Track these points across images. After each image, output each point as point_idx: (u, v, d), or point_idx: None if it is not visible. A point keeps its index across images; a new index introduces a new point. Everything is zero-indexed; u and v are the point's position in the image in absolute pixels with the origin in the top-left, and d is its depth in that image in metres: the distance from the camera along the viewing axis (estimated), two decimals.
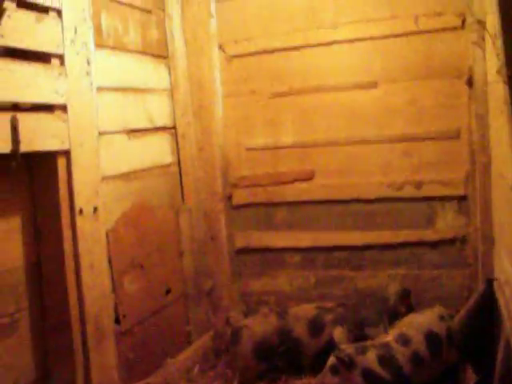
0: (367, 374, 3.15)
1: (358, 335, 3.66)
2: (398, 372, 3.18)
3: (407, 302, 3.84)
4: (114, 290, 3.35)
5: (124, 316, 3.44)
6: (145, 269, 3.71)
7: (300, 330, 3.73)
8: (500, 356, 2.71)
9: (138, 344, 3.57)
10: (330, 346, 3.47)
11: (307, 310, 3.87)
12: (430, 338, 3.32)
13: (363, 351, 3.21)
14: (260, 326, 3.77)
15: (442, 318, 3.48)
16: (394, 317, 3.74)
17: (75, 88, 2.90)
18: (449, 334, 3.40)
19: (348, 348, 3.24)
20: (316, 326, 3.73)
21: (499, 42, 1.49)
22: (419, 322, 3.45)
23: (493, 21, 1.75)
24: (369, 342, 3.35)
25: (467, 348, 3.39)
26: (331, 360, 3.16)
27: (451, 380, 3.39)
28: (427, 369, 3.29)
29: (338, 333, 3.63)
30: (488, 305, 3.20)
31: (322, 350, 3.64)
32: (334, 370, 3.13)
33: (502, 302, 2.80)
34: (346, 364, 3.12)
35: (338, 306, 3.85)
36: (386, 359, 3.19)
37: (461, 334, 3.41)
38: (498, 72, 1.48)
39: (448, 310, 3.62)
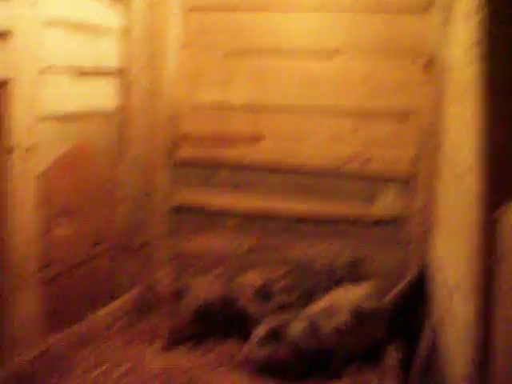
0: (292, 345, 3.16)
1: (308, 303, 3.65)
2: (321, 344, 3.20)
3: (355, 272, 3.84)
4: (41, 235, 3.20)
5: (50, 263, 3.31)
6: (76, 216, 3.56)
7: (246, 300, 3.69)
8: (424, 339, 2.73)
9: (61, 294, 3.45)
10: None
11: (254, 278, 3.82)
12: (356, 311, 3.35)
13: (288, 323, 3.21)
14: (204, 290, 3.71)
15: (371, 294, 3.51)
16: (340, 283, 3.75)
17: (20, 14, 2.70)
18: (376, 309, 3.43)
19: (273, 320, 3.23)
20: (263, 295, 3.70)
21: (474, 20, 1.44)
22: (347, 296, 3.47)
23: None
24: (293, 315, 3.35)
25: (393, 327, 3.43)
26: (259, 331, 3.15)
27: (374, 356, 3.43)
28: (350, 342, 3.32)
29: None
30: (419, 288, 3.23)
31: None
32: (262, 342, 3.12)
33: (432, 287, 2.81)
34: (275, 335, 3.11)
35: (286, 273, 3.81)
36: (310, 331, 3.20)
37: (389, 314, 3.45)
38: (467, 51, 1.42)
39: (379, 287, 3.66)
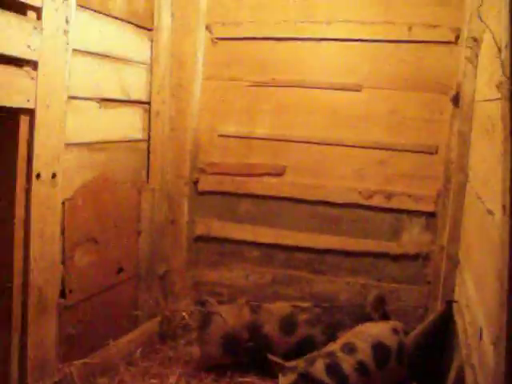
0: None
1: (331, 338, 3.59)
2: (343, 381, 3.12)
3: (381, 309, 3.77)
4: (63, 262, 3.21)
5: (71, 291, 3.30)
6: (99, 244, 3.56)
7: (271, 327, 3.64)
8: (451, 380, 2.65)
9: (82, 321, 3.43)
10: (303, 347, 3.38)
11: (282, 307, 3.78)
12: (378, 349, 3.28)
13: (312, 362, 3.15)
14: (232, 316, 3.67)
15: (395, 331, 3.43)
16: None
17: (49, 45, 2.74)
18: (400, 348, 3.35)
19: (300, 362, 3.16)
20: (288, 324, 3.64)
21: (506, 54, 1.41)
22: (369, 332, 3.40)
23: (499, 32, 1.68)
24: (315, 353, 3.28)
25: (417, 367, 3.34)
26: (287, 378, 3.07)
27: None
28: (372, 380, 3.24)
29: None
30: (445, 326, 3.15)
31: (292, 349, 3.56)
32: None
33: (460, 325, 2.74)
34: (307, 378, 3.05)
35: (314, 307, 3.76)
36: (332, 368, 3.13)
37: (413, 352, 3.36)
38: (498, 86, 1.39)
39: (403, 325, 3.58)
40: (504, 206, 1.28)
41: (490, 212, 2.22)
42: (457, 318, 2.88)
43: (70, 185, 3.24)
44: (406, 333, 3.49)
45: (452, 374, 2.64)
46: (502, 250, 1.33)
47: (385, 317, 3.75)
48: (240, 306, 3.78)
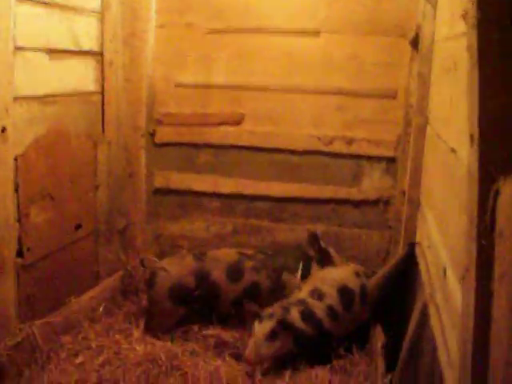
0: (295, 332, 3.12)
1: (276, 282, 3.61)
2: (319, 326, 3.17)
3: (317, 245, 3.79)
4: (19, 219, 3.11)
5: (28, 249, 3.21)
6: (55, 200, 3.47)
7: (218, 274, 3.62)
8: (414, 319, 2.69)
9: (41, 280, 3.36)
10: (249, 293, 3.38)
11: (227, 254, 3.76)
12: (343, 293, 3.32)
13: (287, 309, 3.17)
14: (176, 268, 3.63)
15: (357, 274, 3.48)
16: (308, 262, 3.72)
17: None
18: (362, 291, 3.41)
19: (275, 309, 3.17)
20: (235, 271, 3.63)
21: None
22: (333, 277, 3.44)
23: None
24: (285, 301, 3.30)
25: (380, 308, 3.39)
26: (262, 327, 3.07)
27: (361, 338, 3.40)
28: (341, 323, 3.29)
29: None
30: (408, 268, 3.19)
31: (240, 296, 3.56)
32: (273, 335, 3.06)
33: (422, 266, 2.77)
34: (286, 325, 3.06)
35: (258, 253, 3.76)
36: (306, 315, 3.17)
37: (376, 294, 3.41)
38: (464, 16, 1.36)
39: (364, 268, 3.63)
40: (472, 136, 1.25)
41: (452, 150, 2.21)
42: (419, 259, 2.91)
43: (22, 140, 3.12)
44: (368, 276, 3.54)
45: (415, 314, 2.68)
46: (470, 183, 1.32)
47: (321, 253, 3.77)
48: (183, 255, 3.75)
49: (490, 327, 1.23)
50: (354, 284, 3.41)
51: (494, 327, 1.21)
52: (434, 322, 2.21)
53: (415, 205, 3.37)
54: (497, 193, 1.25)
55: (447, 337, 2.02)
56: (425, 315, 2.53)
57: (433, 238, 2.66)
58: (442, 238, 2.38)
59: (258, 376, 3.11)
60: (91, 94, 3.84)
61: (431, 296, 2.38)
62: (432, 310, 2.29)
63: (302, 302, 3.24)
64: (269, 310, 3.17)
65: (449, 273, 2.11)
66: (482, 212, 1.24)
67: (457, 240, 1.98)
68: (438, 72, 2.98)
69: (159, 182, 4.27)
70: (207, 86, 4.15)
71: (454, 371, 1.84)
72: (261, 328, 3.09)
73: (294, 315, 3.15)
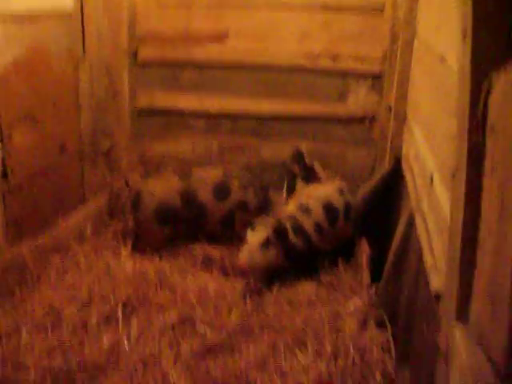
0: (288, 244, 3.15)
1: (263, 200, 3.62)
2: (308, 240, 3.22)
3: (302, 162, 3.79)
4: (1, 141, 3.08)
5: (12, 171, 3.19)
6: (38, 122, 3.42)
7: (205, 194, 3.62)
8: (400, 230, 2.73)
9: (28, 202, 3.36)
10: (235, 213, 3.40)
11: (213, 173, 3.75)
12: (328, 209, 3.35)
13: (280, 222, 3.20)
14: (161, 188, 3.62)
15: (341, 191, 3.51)
16: (294, 180, 3.75)
17: None
18: (346, 208, 3.44)
19: (269, 220, 3.19)
20: (222, 191, 3.63)
21: None
22: (318, 194, 3.46)
23: None
24: (275, 215, 3.32)
25: (366, 222, 3.44)
26: (257, 236, 3.08)
27: (347, 252, 3.47)
28: (327, 238, 3.34)
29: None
30: (393, 182, 3.21)
31: (227, 215, 3.57)
32: (267, 243, 3.08)
33: (409, 177, 2.79)
34: (281, 234, 3.08)
35: (244, 171, 3.75)
36: (297, 229, 3.20)
37: (362, 208, 3.45)
38: None
39: (348, 185, 3.66)
40: (464, 31, 1.23)
41: (442, 60, 2.19)
42: (405, 172, 2.93)
43: (0, 61, 3.05)
44: (352, 192, 3.58)
45: (401, 225, 2.71)
46: (462, 80, 1.30)
47: (306, 170, 3.79)
48: (168, 175, 3.73)
49: (480, 221, 1.24)
50: (337, 201, 3.44)
51: (483, 221, 1.23)
52: (420, 230, 2.24)
53: (401, 119, 3.37)
54: (488, 88, 1.24)
55: (432, 242, 2.05)
56: (410, 226, 2.57)
57: (419, 150, 2.67)
58: (429, 147, 2.39)
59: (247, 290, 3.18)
60: (70, 12, 3.71)
61: (417, 206, 2.41)
62: (418, 220, 2.33)
63: (291, 216, 3.27)
64: (262, 221, 3.20)
65: (436, 179, 2.13)
66: (473, 108, 1.24)
67: (445, 145, 1.99)
68: None
69: (143, 101, 4.21)
70: (190, 4, 4.03)
71: (439, 273, 1.89)
72: (255, 236, 3.10)
73: (288, 227, 3.19)
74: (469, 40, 1.21)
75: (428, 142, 2.46)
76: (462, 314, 1.30)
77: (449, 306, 1.39)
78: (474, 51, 1.23)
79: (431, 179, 2.19)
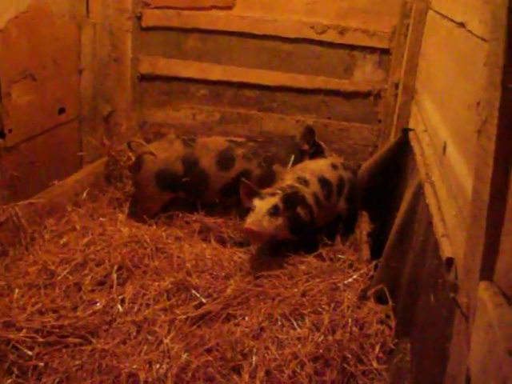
0: (293, 215, 3.12)
1: (267, 171, 3.56)
2: (310, 212, 3.19)
3: (311, 140, 3.74)
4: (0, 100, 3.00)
5: (10, 130, 3.13)
6: (37, 82, 3.35)
7: (208, 162, 3.56)
8: (406, 202, 2.68)
9: (24, 163, 3.30)
10: (239, 182, 3.34)
11: (218, 141, 3.69)
12: (323, 183, 3.33)
13: (287, 191, 3.16)
14: (164, 152, 3.57)
15: (334, 166, 3.48)
16: (301, 155, 3.69)
17: None
18: (340, 182, 3.41)
19: (276, 190, 3.15)
20: (225, 159, 3.57)
21: None
22: (312, 168, 3.43)
23: None
24: (278, 186, 3.26)
25: (368, 197, 3.40)
26: (271, 201, 3.03)
27: (348, 227, 3.44)
28: (323, 212, 3.31)
29: None
30: (400, 154, 3.16)
31: (228, 184, 3.52)
32: (275, 211, 3.03)
33: (417, 150, 2.74)
34: (290, 202, 3.04)
35: (249, 141, 3.69)
36: (301, 200, 3.16)
37: (365, 182, 3.43)
38: None
39: (343, 160, 3.62)
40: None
41: (461, 25, 2.14)
42: (413, 143, 2.87)
43: (2, 15, 2.97)
44: (348, 168, 3.54)
45: (408, 196, 2.67)
46: (496, 28, 1.25)
47: (314, 147, 3.74)
48: (171, 140, 3.67)
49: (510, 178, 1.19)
50: (330, 175, 3.41)
51: None
52: (429, 199, 2.20)
53: (410, 93, 3.31)
54: None
55: (443, 210, 2.01)
56: (417, 199, 2.52)
57: (431, 121, 2.62)
58: (442, 117, 2.35)
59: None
60: None
61: (427, 175, 2.36)
62: (428, 190, 2.28)
63: (292, 187, 3.22)
64: (269, 190, 3.15)
65: (449, 146, 2.09)
66: (509, 54, 1.18)
67: (461, 112, 1.95)
68: None
69: (145, 67, 4.13)
70: None
71: (450, 240, 1.85)
72: (263, 203, 3.05)
73: (299, 196, 3.16)
74: None
75: (441, 111, 2.41)
76: (488, 272, 1.26)
77: (472, 266, 1.35)
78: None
79: (444, 148, 2.15)
